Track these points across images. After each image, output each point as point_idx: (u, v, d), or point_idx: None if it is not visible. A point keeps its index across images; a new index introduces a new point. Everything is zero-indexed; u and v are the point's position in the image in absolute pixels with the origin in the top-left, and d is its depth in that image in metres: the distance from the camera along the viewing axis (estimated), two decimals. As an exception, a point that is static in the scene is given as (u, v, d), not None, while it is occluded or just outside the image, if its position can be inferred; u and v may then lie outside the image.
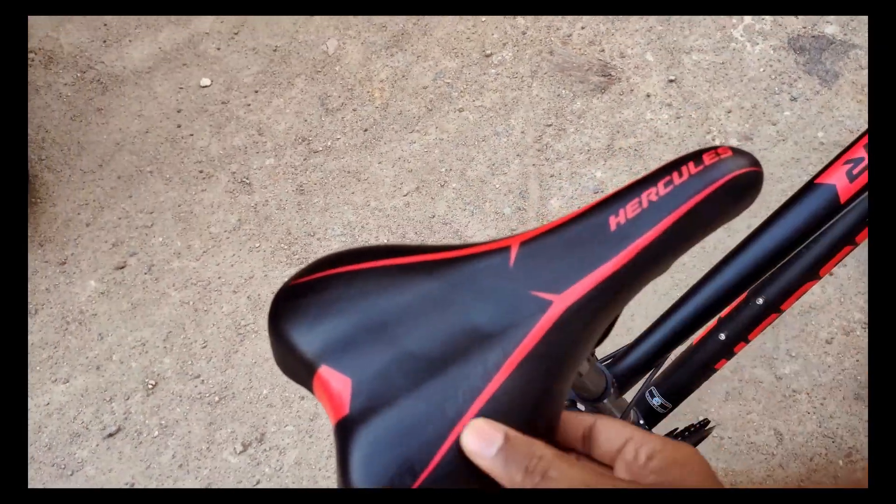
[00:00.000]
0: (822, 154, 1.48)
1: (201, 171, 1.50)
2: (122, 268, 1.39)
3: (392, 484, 0.32)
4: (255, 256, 1.40)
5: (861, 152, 0.57)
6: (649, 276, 0.37)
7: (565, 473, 0.31)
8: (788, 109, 1.56)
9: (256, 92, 1.62)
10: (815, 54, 1.65)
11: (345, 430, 0.33)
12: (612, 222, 0.36)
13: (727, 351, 0.75)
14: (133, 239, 1.42)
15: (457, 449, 0.32)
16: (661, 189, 0.36)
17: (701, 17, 1.68)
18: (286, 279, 0.38)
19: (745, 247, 0.64)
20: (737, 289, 0.67)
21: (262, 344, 1.30)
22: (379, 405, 0.33)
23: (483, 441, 0.32)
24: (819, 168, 0.57)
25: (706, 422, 0.89)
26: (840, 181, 0.57)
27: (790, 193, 0.62)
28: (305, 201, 1.47)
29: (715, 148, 0.37)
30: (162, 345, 1.30)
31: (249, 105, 1.60)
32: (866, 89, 1.57)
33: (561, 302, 0.35)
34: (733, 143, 1.51)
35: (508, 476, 0.31)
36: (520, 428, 0.34)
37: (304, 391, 1.25)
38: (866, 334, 1.28)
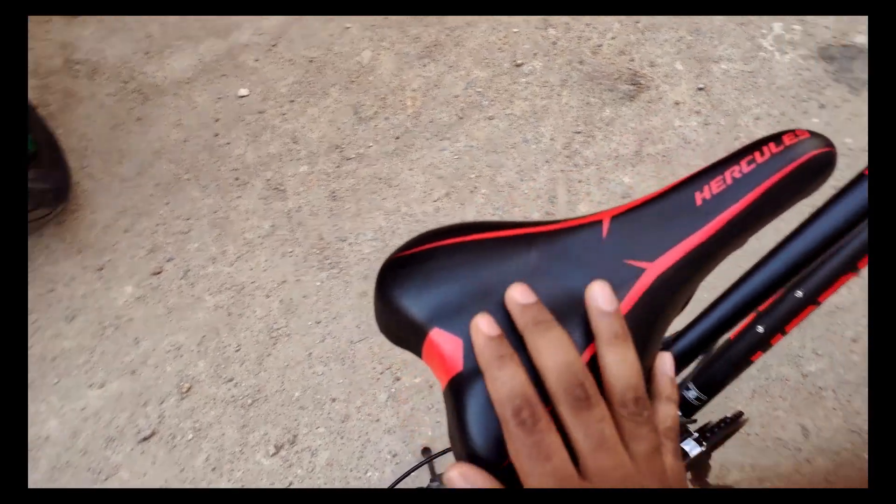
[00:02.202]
0: (851, 160, 1.41)
1: (237, 179, 1.48)
2: (159, 273, 1.36)
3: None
4: (288, 261, 1.37)
5: None
6: (732, 248, 0.37)
7: None
8: (816, 117, 1.50)
9: (292, 102, 1.59)
10: (845, 63, 1.58)
11: (458, 387, 0.34)
12: (698, 198, 0.37)
13: (765, 343, 0.74)
14: (170, 245, 1.40)
15: None
16: (744, 167, 0.37)
17: (732, 27, 1.63)
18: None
19: (793, 238, 0.63)
20: (782, 280, 0.66)
21: (293, 347, 1.26)
22: None
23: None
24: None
25: (740, 413, 0.85)
26: None
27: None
28: (338, 207, 1.43)
29: (793, 130, 0.38)
30: (196, 349, 1.27)
31: (285, 114, 1.57)
32: (899, 96, 1.50)
33: (653, 269, 0.35)
34: (764, 150, 1.44)
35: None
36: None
37: (335, 393, 1.21)
38: None
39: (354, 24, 1.71)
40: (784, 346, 1.22)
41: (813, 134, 0.37)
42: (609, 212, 0.37)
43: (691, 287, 0.37)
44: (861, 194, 0.56)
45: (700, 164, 1.41)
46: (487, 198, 1.41)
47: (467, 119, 1.52)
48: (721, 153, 1.43)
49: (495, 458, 0.31)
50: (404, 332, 0.37)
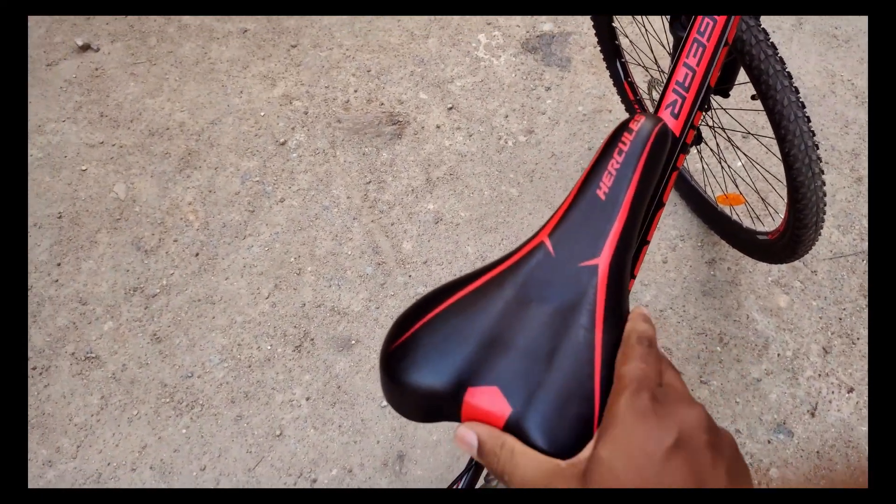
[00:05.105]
0: (590, 123, 1.72)
1: (34, 368, 1.32)
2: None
3: (577, 438, 0.35)
4: (139, 424, 1.26)
5: (673, 97, 0.71)
6: (642, 218, 0.49)
7: (519, 467, 0.38)
8: (548, 98, 1.80)
9: (59, 265, 1.47)
10: (545, 49, 1.92)
11: (517, 424, 0.39)
12: (600, 194, 0.47)
13: None
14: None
15: (606, 392, 0.37)
16: (618, 158, 0.48)
17: (448, 50, 1.88)
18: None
19: None
20: None
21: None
22: (532, 392, 0.37)
23: (464, 445, 0.40)
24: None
25: None
26: (667, 119, 0.71)
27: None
28: (166, 347, 1.36)
29: (632, 117, 0.51)
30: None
31: (57, 280, 1.44)
32: (594, 62, 1.86)
33: (603, 261, 0.44)
34: (520, 139, 1.69)
35: (489, 467, 0.39)
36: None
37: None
38: (687, 244, 1.50)
39: (90, 165, 1.63)
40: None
41: (646, 115, 0.50)
42: (542, 232, 0.46)
43: (634, 255, 0.47)
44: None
45: (482, 169, 1.61)
46: (317, 273, 1.45)
47: (259, 210, 1.55)
48: (496, 157, 1.63)
49: (575, 449, 0.37)
50: (436, 408, 0.41)
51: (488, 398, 0.39)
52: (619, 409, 0.35)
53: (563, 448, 0.37)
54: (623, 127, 0.50)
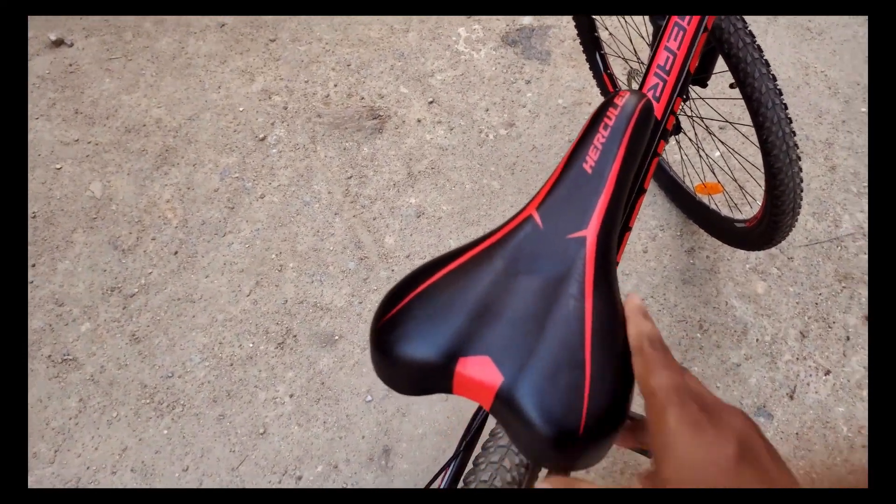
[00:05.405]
0: (569, 116, 1.72)
1: (10, 370, 1.29)
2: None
3: (568, 406, 0.35)
4: (119, 426, 1.24)
5: (654, 80, 0.70)
6: (629, 190, 0.49)
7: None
8: (529, 91, 1.79)
9: (34, 266, 1.43)
10: (525, 42, 1.91)
11: (509, 393, 0.38)
12: (587, 167, 0.47)
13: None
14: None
15: (597, 360, 0.37)
16: (603, 132, 0.48)
17: (428, 43, 1.86)
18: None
19: None
20: None
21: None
22: (523, 361, 0.37)
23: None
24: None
25: None
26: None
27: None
28: (146, 348, 1.33)
29: (617, 93, 0.51)
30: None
31: (32, 282, 1.41)
32: (574, 55, 1.86)
33: (591, 233, 0.44)
34: (501, 132, 1.68)
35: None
36: (614, 328, 0.39)
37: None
38: (667, 234, 1.50)
39: (65, 163, 1.59)
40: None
41: (630, 91, 0.50)
42: (531, 206, 0.46)
43: (620, 227, 0.47)
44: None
45: (464, 163, 1.60)
46: (298, 269, 1.43)
47: (239, 206, 1.52)
48: (477, 150, 1.62)
49: (573, 426, 0.36)
50: (428, 380, 0.40)
51: (480, 368, 0.39)
52: (671, 426, 0.33)
53: (554, 415, 0.36)
54: (608, 102, 0.50)
